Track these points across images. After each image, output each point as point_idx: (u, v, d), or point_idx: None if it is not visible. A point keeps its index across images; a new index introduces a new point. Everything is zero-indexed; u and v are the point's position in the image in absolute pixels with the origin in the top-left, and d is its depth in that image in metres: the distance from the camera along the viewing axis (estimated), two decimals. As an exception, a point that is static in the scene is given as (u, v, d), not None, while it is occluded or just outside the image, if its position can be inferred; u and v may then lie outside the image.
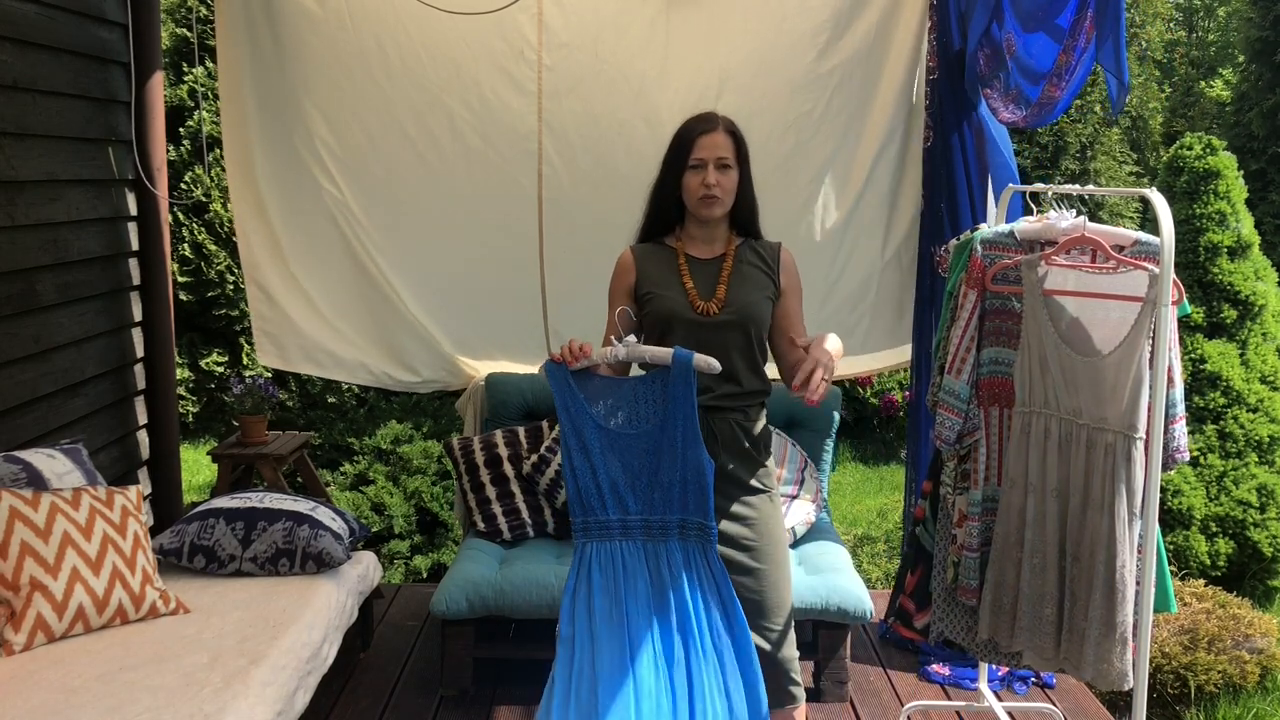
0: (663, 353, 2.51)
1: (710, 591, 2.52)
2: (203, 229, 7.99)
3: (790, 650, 2.69)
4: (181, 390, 7.74)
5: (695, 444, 2.50)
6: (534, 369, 4.48)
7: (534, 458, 4.06)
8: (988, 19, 3.56)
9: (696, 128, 2.66)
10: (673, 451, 2.51)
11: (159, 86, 4.35)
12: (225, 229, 7.88)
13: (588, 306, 4.41)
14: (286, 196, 4.27)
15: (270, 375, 4.54)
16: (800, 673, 2.71)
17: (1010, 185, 3.40)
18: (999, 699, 3.51)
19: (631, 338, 2.55)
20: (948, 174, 3.95)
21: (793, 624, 2.71)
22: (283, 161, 4.24)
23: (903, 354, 4.42)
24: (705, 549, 2.53)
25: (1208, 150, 5.24)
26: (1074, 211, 2.97)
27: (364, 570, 3.71)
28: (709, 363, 2.49)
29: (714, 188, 2.62)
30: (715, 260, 2.71)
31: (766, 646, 2.64)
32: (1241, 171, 5.33)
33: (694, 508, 2.52)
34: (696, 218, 2.70)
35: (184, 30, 8.11)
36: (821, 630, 3.68)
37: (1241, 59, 12.02)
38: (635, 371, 2.64)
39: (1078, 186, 3.10)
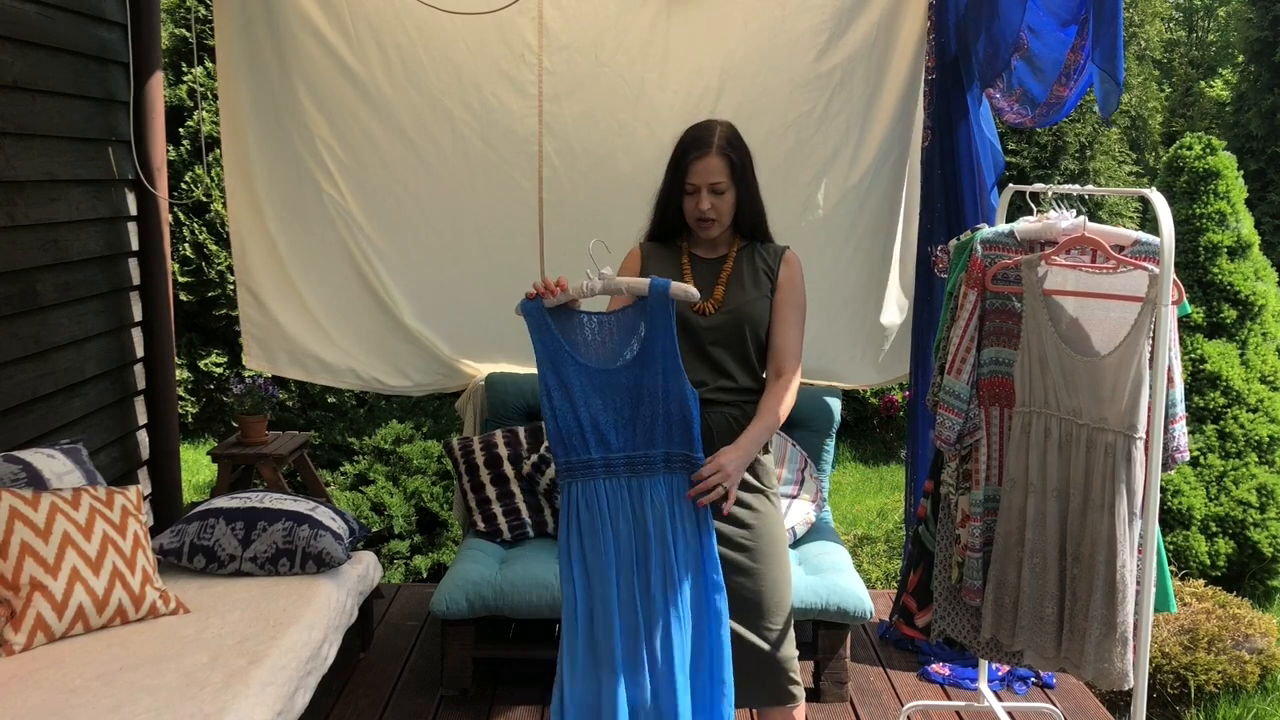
0: (639, 283, 2.47)
1: (690, 523, 2.49)
2: (203, 229, 7.99)
3: (789, 649, 2.69)
4: (181, 390, 7.74)
5: (677, 376, 2.46)
6: (535, 370, 4.47)
7: (534, 458, 4.06)
8: (1000, 21, 3.55)
9: (690, 153, 2.66)
10: (654, 384, 2.47)
11: (159, 86, 4.35)
12: (225, 229, 7.87)
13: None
14: (286, 198, 4.27)
15: (270, 375, 4.54)
16: (799, 672, 2.71)
17: (1011, 185, 3.40)
18: (999, 699, 3.51)
19: (608, 269, 2.49)
20: (947, 174, 3.95)
21: (792, 623, 2.72)
22: (283, 163, 4.24)
23: (899, 367, 4.43)
24: (689, 474, 2.50)
25: (1207, 150, 5.24)
26: (1074, 211, 2.97)
27: (364, 570, 3.71)
28: (686, 290, 2.46)
29: (708, 212, 2.65)
30: (717, 260, 2.73)
31: (765, 646, 2.64)
32: (1241, 171, 5.34)
33: (679, 440, 2.49)
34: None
35: (183, 30, 8.11)
36: (821, 630, 3.68)
37: (1241, 59, 12.02)
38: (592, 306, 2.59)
39: (1077, 186, 3.10)
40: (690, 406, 2.48)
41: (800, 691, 2.71)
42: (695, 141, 2.67)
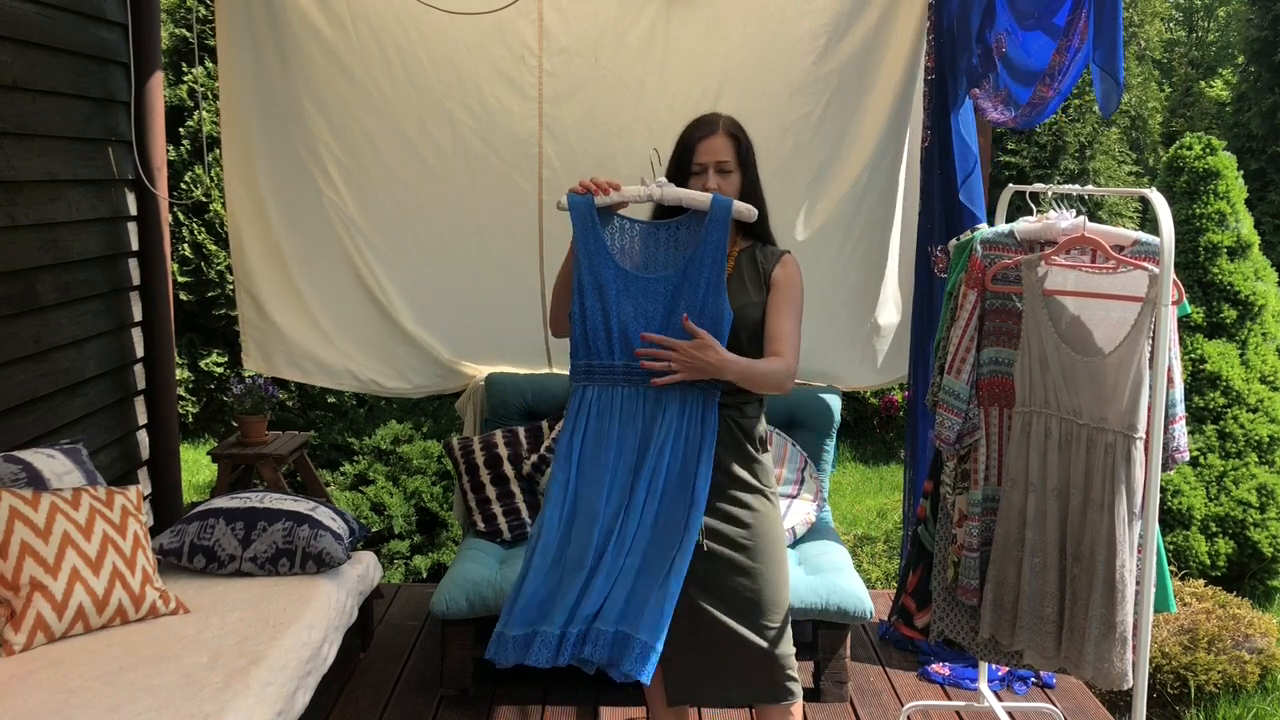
0: (700, 197, 2.43)
1: (693, 444, 2.47)
2: (203, 229, 7.99)
3: (786, 648, 2.69)
4: (181, 390, 7.75)
5: (719, 292, 2.43)
6: (535, 371, 4.49)
7: (534, 458, 4.06)
8: (979, 21, 3.56)
9: (696, 133, 2.66)
10: (694, 296, 2.44)
11: (159, 86, 4.35)
12: (225, 229, 7.86)
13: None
14: (286, 199, 4.27)
15: (270, 375, 4.54)
16: (797, 670, 2.71)
17: (1011, 185, 3.40)
18: (999, 699, 3.51)
19: (663, 178, 2.44)
20: (946, 175, 3.95)
21: (790, 622, 2.72)
22: (283, 164, 4.24)
23: (898, 369, 4.43)
24: (705, 405, 2.48)
25: (1207, 150, 5.24)
26: (1074, 211, 2.97)
27: (364, 570, 3.71)
28: (748, 209, 2.44)
29: (714, 192, 2.62)
30: None
31: (763, 644, 2.64)
32: (1241, 171, 5.34)
33: None
34: None
35: (184, 30, 8.11)
36: (821, 630, 3.68)
37: (1241, 59, 12.02)
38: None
39: (1077, 186, 3.10)
40: (723, 326, 2.45)
41: (798, 689, 2.71)
42: (701, 123, 2.68)
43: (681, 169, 2.67)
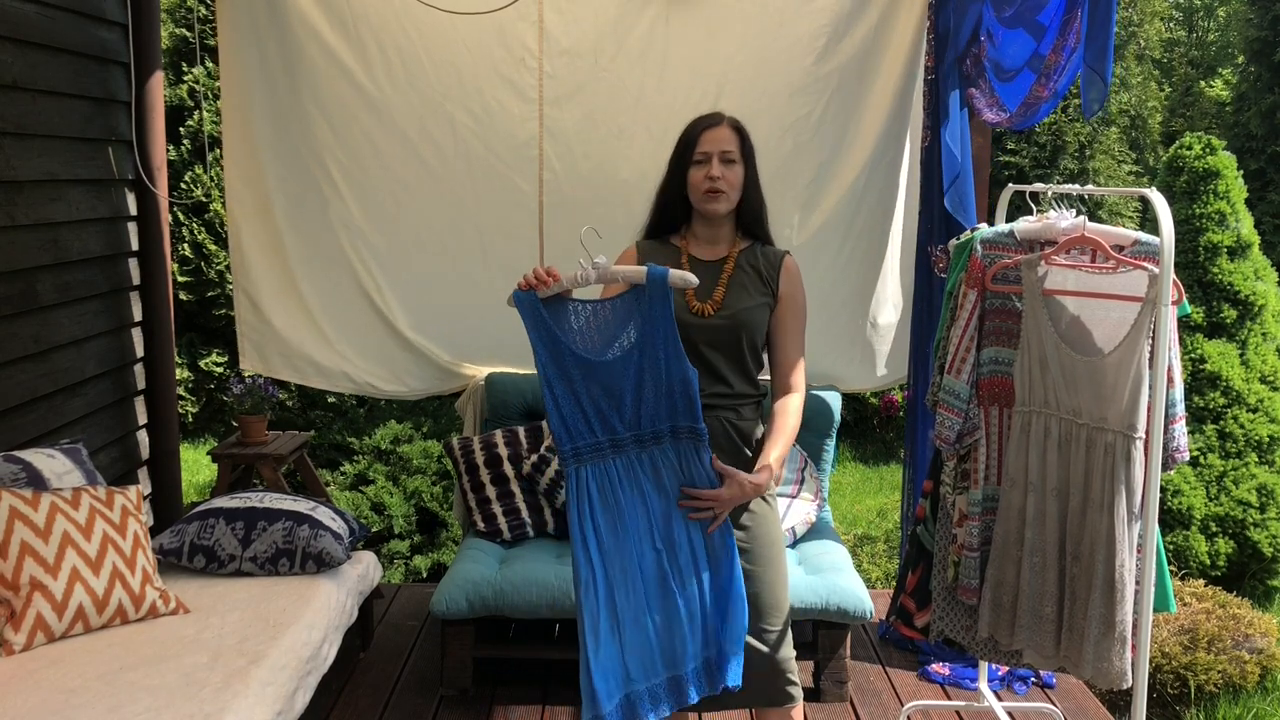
0: (635, 271, 2.44)
1: (703, 480, 2.52)
2: (203, 229, 7.99)
3: (787, 650, 2.68)
4: (181, 390, 7.75)
5: (679, 359, 2.46)
6: (534, 371, 4.48)
7: (534, 458, 4.06)
8: (971, 23, 3.56)
9: (702, 123, 2.67)
10: (656, 369, 2.47)
11: (159, 86, 4.35)
12: (225, 229, 7.87)
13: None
14: (287, 200, 4.27)
15: (270, 375, 4.54)
16: (797, 673, 2.71)
17: (1010, 185, 3.40)
18: (999, 699, 3.51)
19: (602, 258, 2.46)
20: (945, 175, 3.94)
21: (790, 625, 2.71)
22: (284, 165, 4.24)
23: (898, 370, 4.43)
24: (698, 448, 2.51)
25: (1207, 150, 5.24)
26: (1073, 211, 2.97)
27: (364, 570, 3.71)
28: (685, 277, 2.44)
29: (718, 180, 2.62)
30: (718, 262, 2.70)
31: (763, 648, 2.63)
32: (1241, 171, 5.34)
33: (682, 413, 2.49)
34: (702, 214, 2.69)
35: (184, 30, 8.11)
36: (821, 630, 3.68)
37: (1241, 59, 12.03)
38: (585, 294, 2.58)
39: (1077, 186, 3.10)
40: (692, 385, 2.47)
41: (798, 692, 2.70)
42: (705, 117, 2.69)
43: (683, 159, 2.67)
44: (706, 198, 2.64)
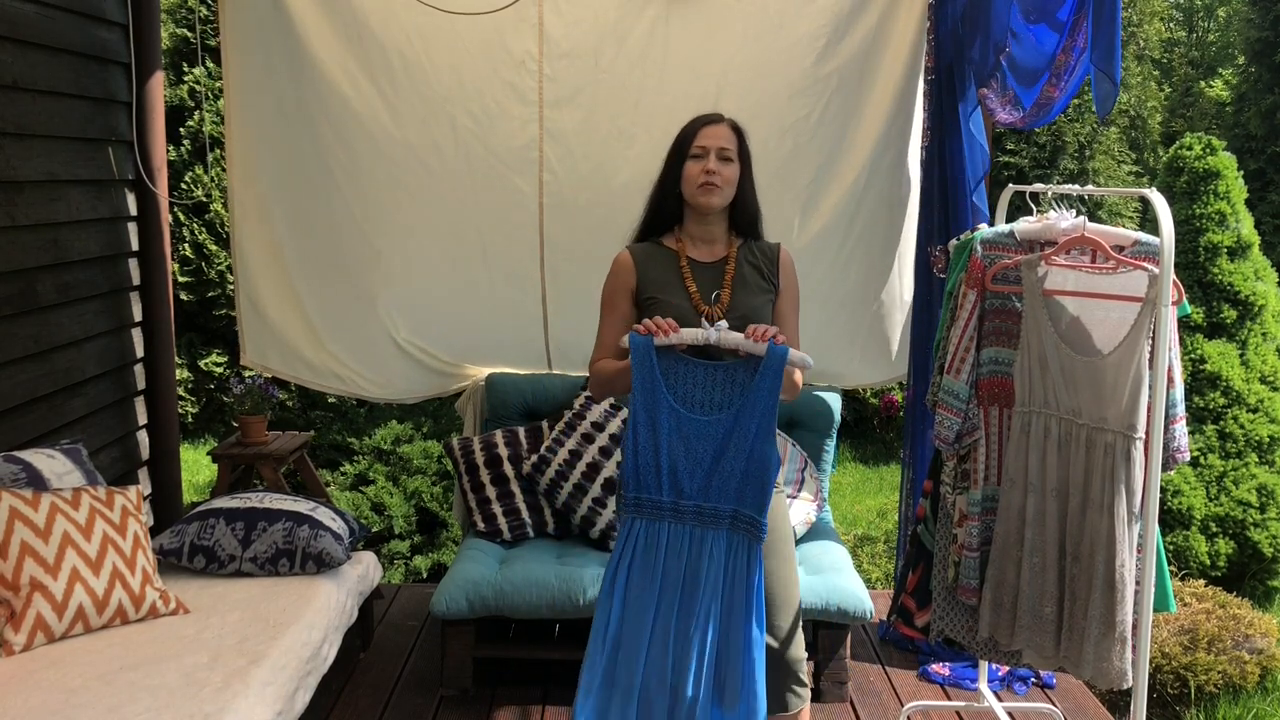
0: (757, 345, 2.48)
1: (742, 581, 2.50)
2: (203, 229, 7.99)
3: (798, 650, 2.68)
4: (181, 390, 7.75)
5: (768, 439, 2.48)
6: (534, 371, 4.49)
7: (534, 458, 4.06)
8: (990, 16, 3.55)
9: (701, 120, 2.69)
10: (742, 442, 2.48)
11: (159, 86, 4.35)
12: (225, 229, 7.88)
13: (589, 312, 4.42)
14: (289, 200, 4.26)
15: (269, 376, 4.54)
16: (807, 674, 2.71)
17: (1010, 185, 3.40)
18: (999, 699, 3.51)
19: (724, 323, 2.51)
20: (946, 174, 3.95)
21: (800, 622, 2.71)
22: (286, 166, 4.24)
23: (898, 367, 4.44)
24: (751, 545, 2.51)
25: (1207, 150, 5.24)
26: (1074, 211, 2.97)
27: (364, 570, 3.71)
28: (803, 359, 2.49)
29: (714, 175, 2.62)
30: (718, 264, 2.71)
31: (775, 644, 2.63)
32: (1241, 171, 5.34)
33: (750, 501, 2.50)
34: (696, 210, 2.69)
35: (184, 30, 8.11)
36: (821, 630, 3.68)
37: (1241, 59, 12.03)
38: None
39: (1077, 186, 3.10)
40: (770, 473, 2.50)
41: (806, 694, 2.70)
42: (704, 115, 2.71)
43: (679, 155, 2.67)
44: (701, 190, 2.64)
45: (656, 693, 2.46)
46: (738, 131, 2.69)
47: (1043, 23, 3.38)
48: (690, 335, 2.49)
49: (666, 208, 2.73)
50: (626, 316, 2.70)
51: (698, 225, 2.72)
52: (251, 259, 4.32)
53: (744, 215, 2.73)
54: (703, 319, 2.54)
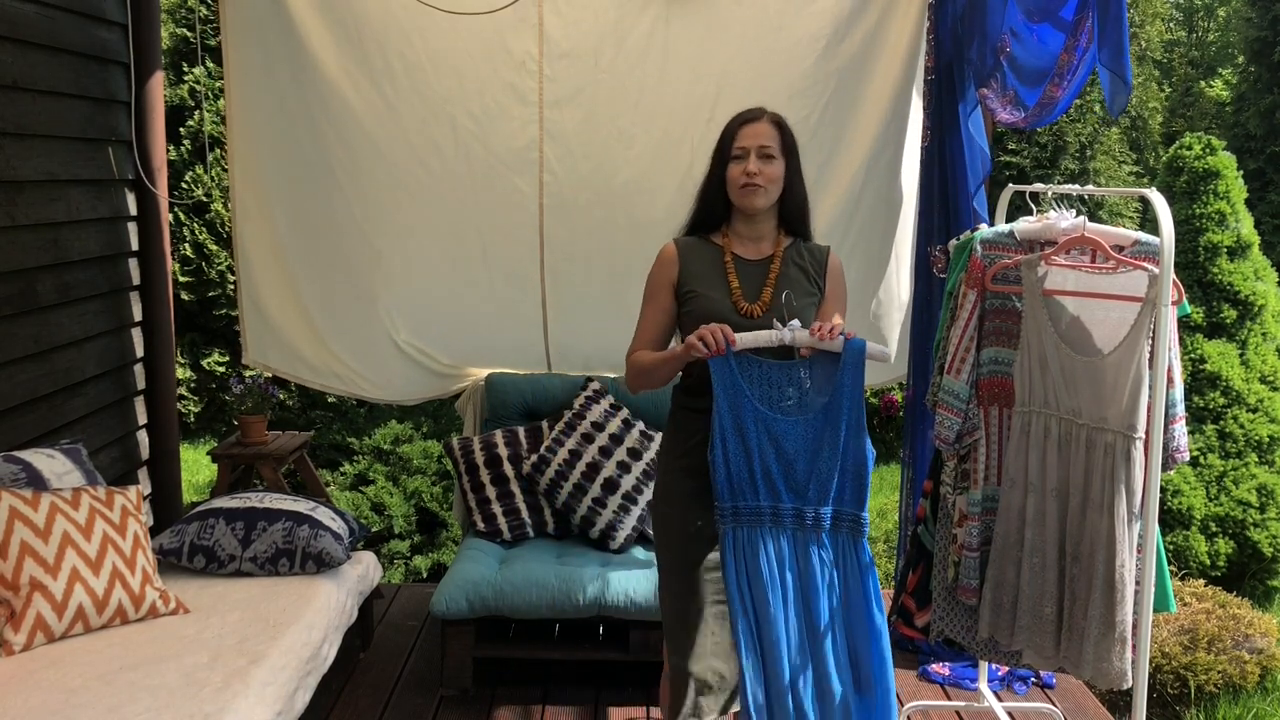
0: (833, 343, 2.47)
1: (855, 582, 2.50)
2: (203, 229, 8.00)
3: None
4: (182, 390, 7.75)
5: (860, 433, 2.47)
6: (534, 371, 4.49)
7: (534, 458, 4.06)
8: (989, 17, 3.55)
9: (741, 118, 2.66)
10: (835, 440, 2.47)
11: (159, 86, 4.35)
12: (226, 229, 7.89)
13: (589, 313, 4.44)
14: (290, 201, 4.27)
15: (270, 376, 4.55)
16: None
17: (1011, 185, 3.40)
18: (999, 699, 3.51)
19: (796, 322, 2.49)
20: (946, 174, 3.94)
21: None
22: (287, 166, 4.24)
23: (897, 367, 4.44)
24: (856, 542, 2.51)
25: (1207, 150, 5.24)
26: (1074, 211, 2.97)
27: (364, 570, 3.71)
28: (882, 351, 2.48)
29: (755, 176, 2.60)
30: (763, 262, 2.68)
31: None
32: (1241, 171, 5.34)
33: (849, 499, 2.49)
34: (741, 211, 2.68)
35: (184, 30, 8.11)
36: (821, 630, 3.68)
37: (1241, 59, 12.03)
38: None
39: (1077, 186, 3.10)
40: (866, 467, 2.48)
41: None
42: (744, 113, 2.68)
43: (722, 156, 2.66)
44: (743, 193, 2.62)
45: (803, 695, 2.47)
46: (779, 126, 2.65)
47: (1046, 22, 3.37)
48: (766, 337, 2.47)
49: (712, 207, 2.71)
50: (667, 309, 2.68)
51: (745, 224, 2.70)
52: (253, 258, 4.32)
53: (793, 210, 2.70)
54: (774, 321, 2.51)
